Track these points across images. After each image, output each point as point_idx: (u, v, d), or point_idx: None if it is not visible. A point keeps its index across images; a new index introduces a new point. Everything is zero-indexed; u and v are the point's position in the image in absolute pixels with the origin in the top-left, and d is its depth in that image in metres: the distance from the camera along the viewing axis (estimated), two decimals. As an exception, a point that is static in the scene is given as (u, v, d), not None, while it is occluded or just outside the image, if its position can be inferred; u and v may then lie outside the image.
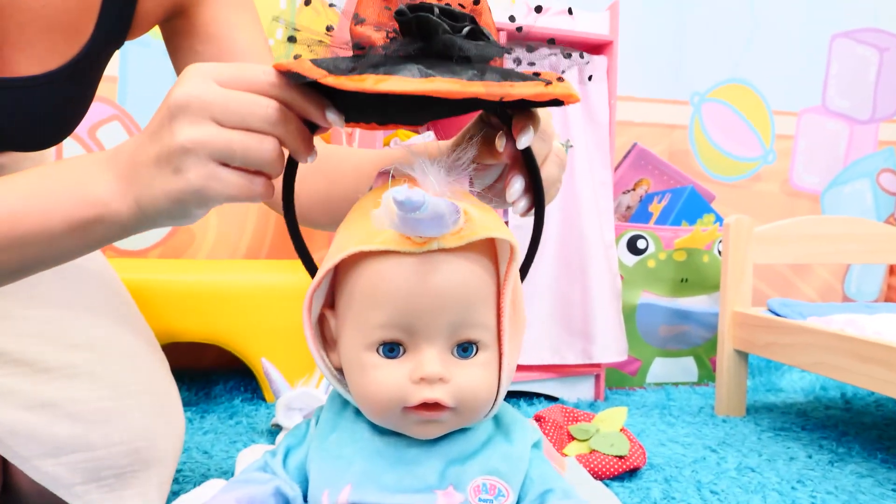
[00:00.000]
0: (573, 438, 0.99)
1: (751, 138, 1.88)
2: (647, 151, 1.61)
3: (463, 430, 0.44)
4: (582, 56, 0.41)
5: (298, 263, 1.39)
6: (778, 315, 1.19)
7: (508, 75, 0.39)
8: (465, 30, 0.38)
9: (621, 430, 0.98)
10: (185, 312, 1.11)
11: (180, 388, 1.35)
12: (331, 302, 0.45)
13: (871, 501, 0.87)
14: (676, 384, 1.44)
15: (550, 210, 1.26)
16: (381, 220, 0.38)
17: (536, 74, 0.40)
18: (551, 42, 0.42)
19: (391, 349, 0.41)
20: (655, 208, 1.54)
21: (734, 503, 0.85)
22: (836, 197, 1.98)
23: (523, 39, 0.42)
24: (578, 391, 1.32)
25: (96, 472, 0.63)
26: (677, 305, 1.42)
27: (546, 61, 0.41)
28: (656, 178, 1.63)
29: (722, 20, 1.83)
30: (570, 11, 1.16)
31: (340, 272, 0.44)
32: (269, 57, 0.74)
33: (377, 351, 0.41)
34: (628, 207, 1.65)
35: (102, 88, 1.25)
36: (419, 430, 0.42)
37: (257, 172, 0.42)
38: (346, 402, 0.46)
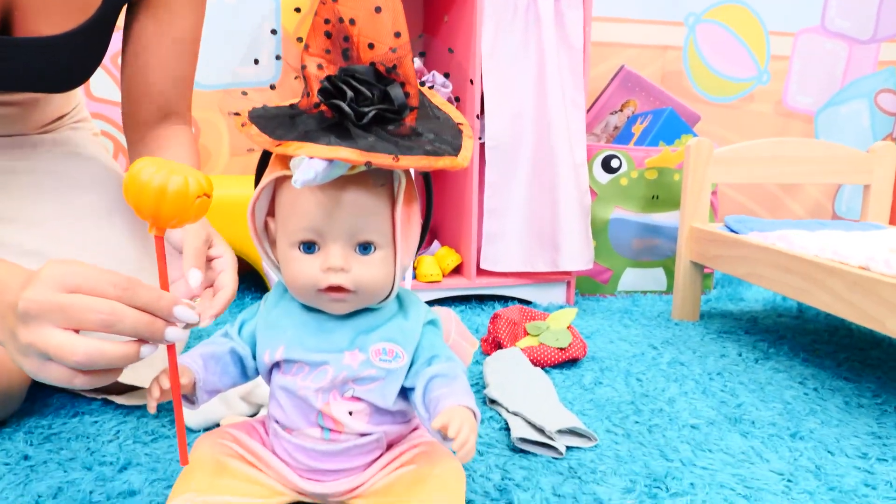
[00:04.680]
0: (527, 334, 1.15)
1: (746, 59, 1.92)
2: (633, 73, 1.68)
3: (371, 310, 0.58)
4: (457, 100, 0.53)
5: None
6: (732, 230, 1.30)
7: (400, 144, 0.50)
8: (369, 116, 0.50)
9: (568, 327, 1.13)
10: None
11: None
12: (273, 211, 0.59)
13: (775, 391, 1.01)
14: (645, 292, 1.57)
15: (524, 131, 1.36)
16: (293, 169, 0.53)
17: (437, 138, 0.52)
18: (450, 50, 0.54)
19: (308, 247, 0.55)
20: (637, 129, 1.62)
21: (652, 388, 1.00)
22: (832, 117, 2.02)
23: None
24: (551, 296, 1.46)
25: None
26: (648, 220, 1.54)
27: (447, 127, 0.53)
28: (643, 99, 1.70)
29: (724, -63, 1.83)
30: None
31: (276, 189, 0.57)
32: (192, 51, 0.87)
33: (299, 248, 0.55)
34: (616, 127, 1.73)
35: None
36: (331, 306, 0.56)
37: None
38: (286, 288, 0.61)
